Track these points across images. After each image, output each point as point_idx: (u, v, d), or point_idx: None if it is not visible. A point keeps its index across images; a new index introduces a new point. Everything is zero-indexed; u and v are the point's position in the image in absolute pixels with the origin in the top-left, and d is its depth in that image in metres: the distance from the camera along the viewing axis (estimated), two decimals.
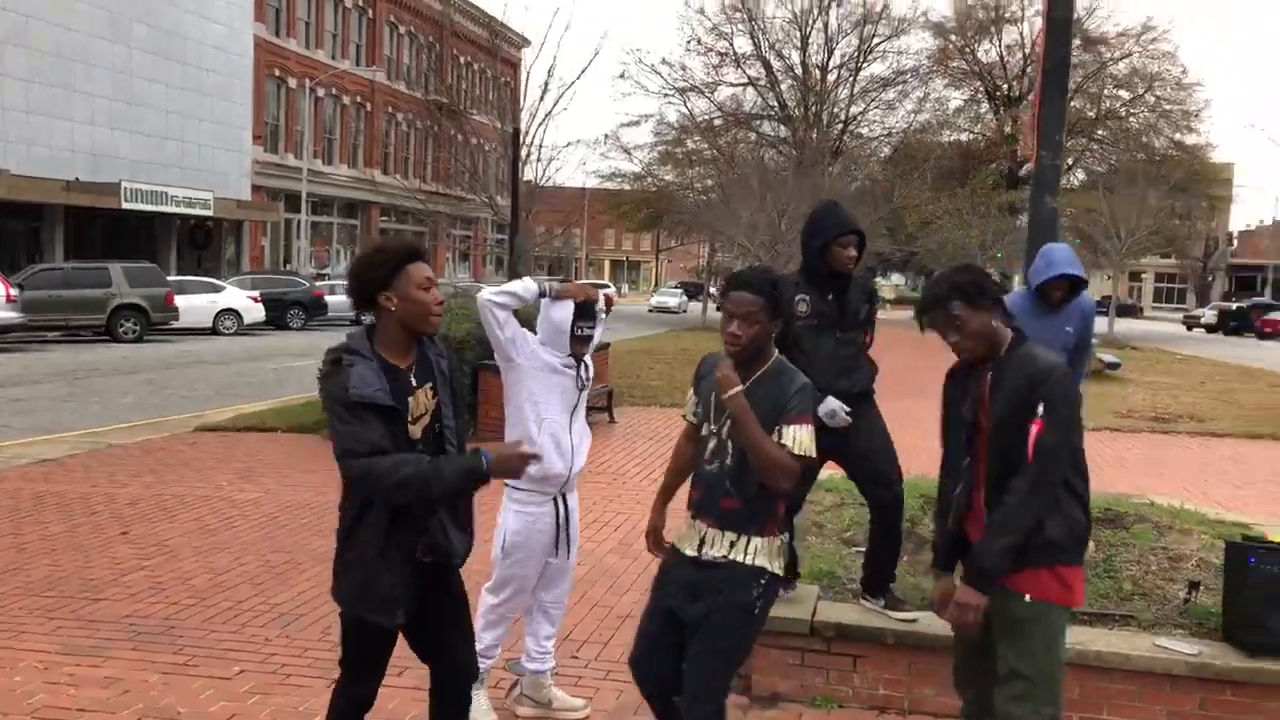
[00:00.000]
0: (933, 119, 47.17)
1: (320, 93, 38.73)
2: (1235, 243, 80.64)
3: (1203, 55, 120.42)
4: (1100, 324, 45.18)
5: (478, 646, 3.56)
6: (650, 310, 50.73)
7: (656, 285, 76.74)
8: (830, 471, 5.31)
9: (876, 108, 47.06)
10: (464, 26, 47.07)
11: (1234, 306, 52.25)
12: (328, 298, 29.53)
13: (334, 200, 41.17)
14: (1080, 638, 4.00)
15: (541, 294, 3.81)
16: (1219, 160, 47.79)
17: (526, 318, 4.02)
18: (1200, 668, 3.90)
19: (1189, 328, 51.01)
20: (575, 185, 43.93)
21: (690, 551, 3.11)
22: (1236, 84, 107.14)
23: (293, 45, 37.60)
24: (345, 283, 3.20)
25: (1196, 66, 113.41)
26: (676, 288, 61.09)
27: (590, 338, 3.91)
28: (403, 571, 2.88)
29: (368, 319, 3.02)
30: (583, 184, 46.91)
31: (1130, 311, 60.72)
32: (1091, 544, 4.92)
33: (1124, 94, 45.57)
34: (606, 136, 43.97)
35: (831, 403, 4.26)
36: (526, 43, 45.16)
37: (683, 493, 3.35)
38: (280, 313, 28.08)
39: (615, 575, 5.98)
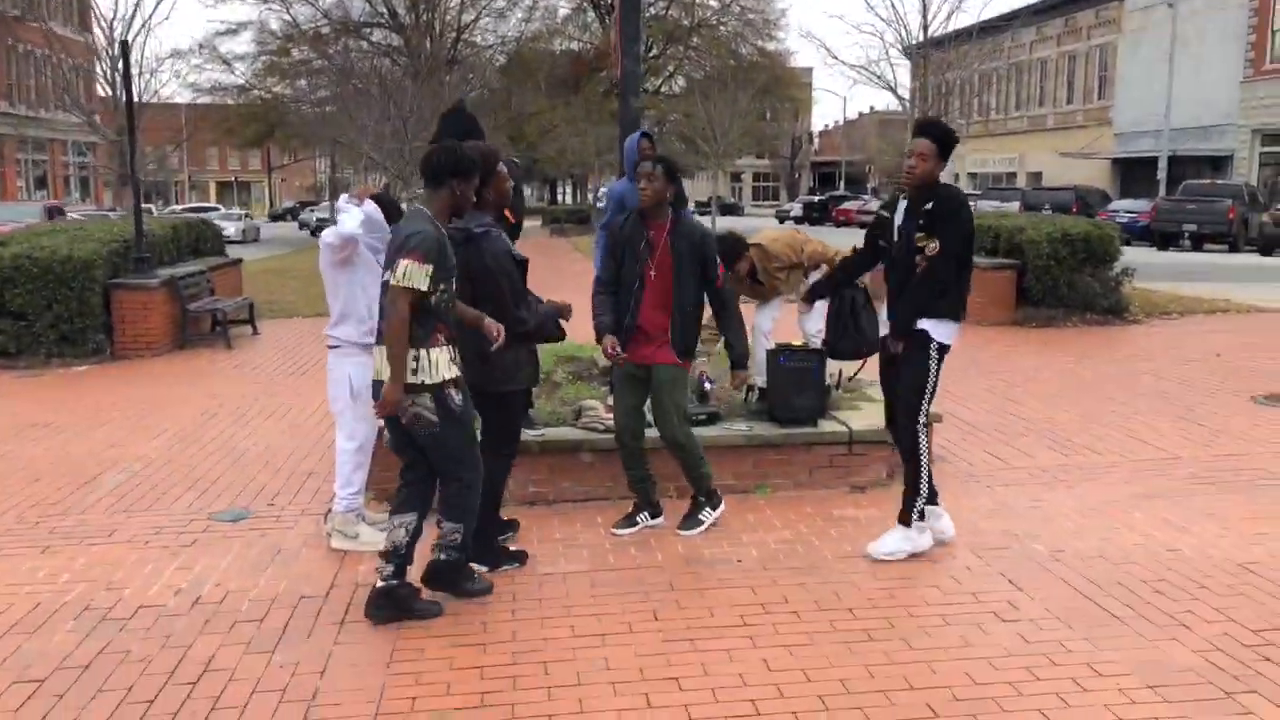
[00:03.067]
0: (544, 28, 48.45)
1: None
2: (816, 142, 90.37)
3: None
4: (704, 221, 48.72)
5: (350, 489, 4.73)
6: None
7: (271, 205, 72.67)
8: None
9: (488, 16, 47.50)
10: None
11: (815, 199, 59.20)
12: None
13: None
14: None
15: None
16: (798, 65, 53.40)
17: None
18: (751, 438, 5.39)
19: (780, 220, 57.06)
20: (170, 101, 40.57)
21: None
22: None
23: None
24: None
25: None
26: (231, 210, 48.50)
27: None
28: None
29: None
30: (179, 99, 43.39)
31: (732, 210, 66.74)
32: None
33: (713, 3, 49.39)
34: (202, 46, 40.64)
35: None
36: None
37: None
38: None
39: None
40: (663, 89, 48.93)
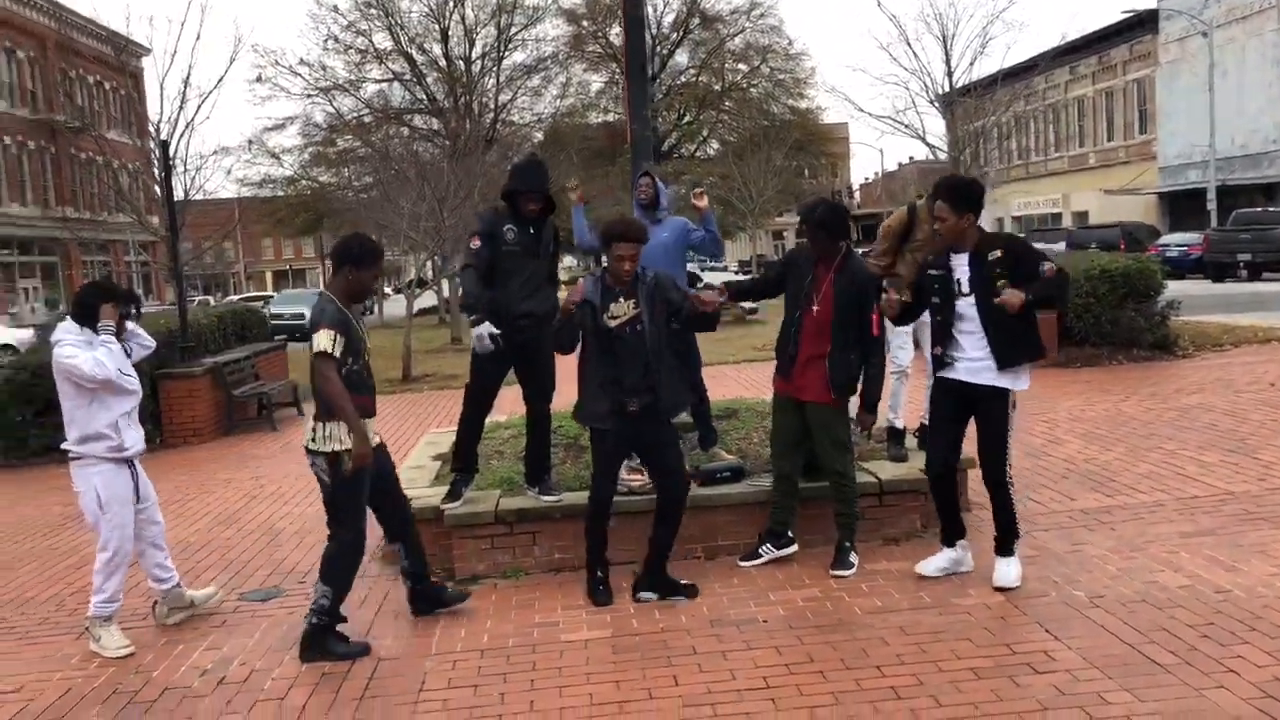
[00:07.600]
0: (578, 103, 49.42)
1: None
2: (857, 195, 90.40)
3: (806, 27, 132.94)
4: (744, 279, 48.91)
5: (100, 597, 4.65)
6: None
7: None
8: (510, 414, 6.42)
9: (524, 95, 48.51)
10: (73, 39, 43.16)
11: (860, 252, 59.18)
12: None
13: None
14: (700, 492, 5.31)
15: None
16: (832, 121, 53.74)
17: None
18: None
19: None
20: (224, 196, 41.91)
21: None
22: (840, 51, 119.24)
23: None
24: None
25: (802, 37, 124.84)
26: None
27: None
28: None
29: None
30: (232, 194, 44.82)
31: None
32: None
33: (743, 67, 50.08)
34: (251, 142, 42.15)
35: (483, 328, 5.20)
36: (146, 51, 42.19)
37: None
38: None
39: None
40: (697, 153, 49.43)
